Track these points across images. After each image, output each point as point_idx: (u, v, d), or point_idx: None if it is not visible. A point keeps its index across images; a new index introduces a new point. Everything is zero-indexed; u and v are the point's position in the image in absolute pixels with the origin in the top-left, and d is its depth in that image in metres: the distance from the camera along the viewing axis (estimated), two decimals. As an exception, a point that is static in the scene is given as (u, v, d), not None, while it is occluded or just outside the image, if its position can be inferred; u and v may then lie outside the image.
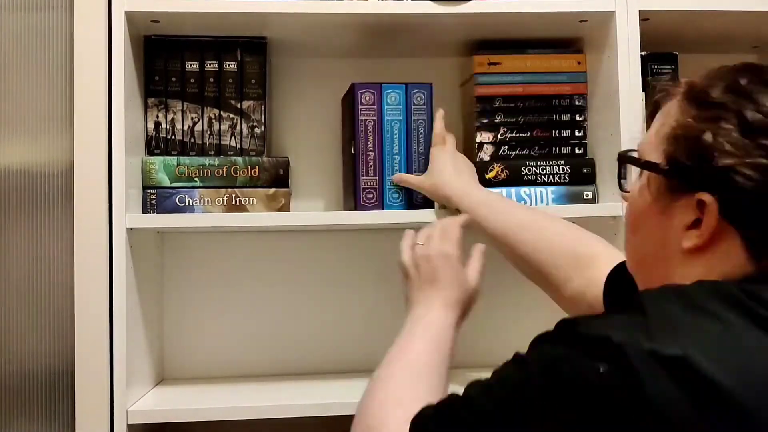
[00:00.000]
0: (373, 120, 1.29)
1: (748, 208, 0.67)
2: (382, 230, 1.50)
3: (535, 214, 1.17)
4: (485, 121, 1.36)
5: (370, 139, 1.29)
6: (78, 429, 1.16)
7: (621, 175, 0.83)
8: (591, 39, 1.38)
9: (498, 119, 1.36)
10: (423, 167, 1.29)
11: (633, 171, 0.81)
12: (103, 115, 1.19)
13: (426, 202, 1.29)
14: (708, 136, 0.68)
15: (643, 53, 1.29)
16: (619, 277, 0.97)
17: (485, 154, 1.36)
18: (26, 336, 1.21)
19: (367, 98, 1.30)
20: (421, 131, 1.31)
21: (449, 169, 1.23)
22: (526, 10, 1.27)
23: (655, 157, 0.74)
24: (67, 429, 1.19)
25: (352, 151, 1.29)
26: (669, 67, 1.32)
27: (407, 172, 1.29)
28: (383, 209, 1.29)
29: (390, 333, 1.49)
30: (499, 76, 1.37)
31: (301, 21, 1.27)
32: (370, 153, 1.29)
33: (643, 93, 1.29)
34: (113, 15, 1.20)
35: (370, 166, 1.29)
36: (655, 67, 1.32)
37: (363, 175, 1.29)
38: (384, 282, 1.50)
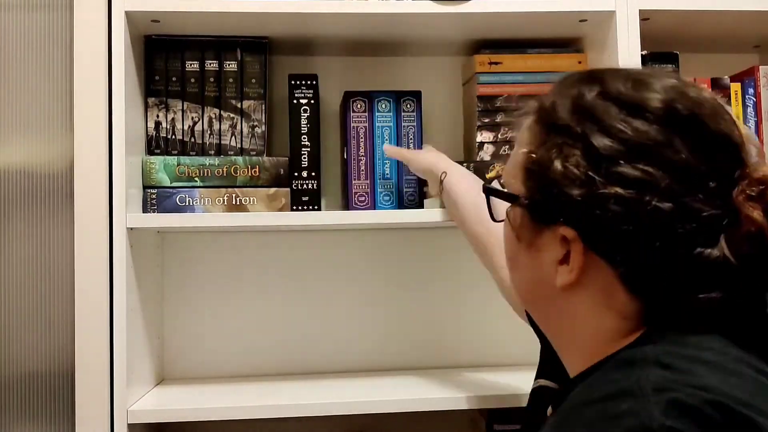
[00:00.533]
0: (365, 126, 1.32)
1: (612, 241, 0.62)
2: (382, 230, 1.50)
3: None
4: (486, 120, 1.36)
5: (362, 144, 1.31)
6: (78, 429, 1.16)
7: (489, 207, 0.77)
8: (591, 39, 1.38)
9: (499, 119, 1.36)
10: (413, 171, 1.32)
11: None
12: (103, 114, 1.19)
13: (417, 204, 1.33)
14: (557, 166, 0.64)
15: (643, 53, 1.29)
16: None
17: (486, 154, 1.36)
18: (27, 336, 1.21)
19: (359, 106, 1.32)
20: (411, 137, 1.33)
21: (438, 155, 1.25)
22: (527, 10, 1.27)
23: (516, 187, 0.70)
24: (68, 429, 1.19)
25: (344, 156, 1.30)
26: (670, 66, 1.32)
27: (398, 176, 1.33)
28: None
29: (390, 333, 1.49)
30: (500, 76, 1.37)
31: (301, 20, 1.27)
32: (362, 158, 1.31)
33: (644, 92, 1.29)
34: (113, 15, 1.20)
35: (362, 171, 1.31)
36: (656, 66, 1.32)
37: (355, 179, 1.30)
38: (385, 281, 1.50)
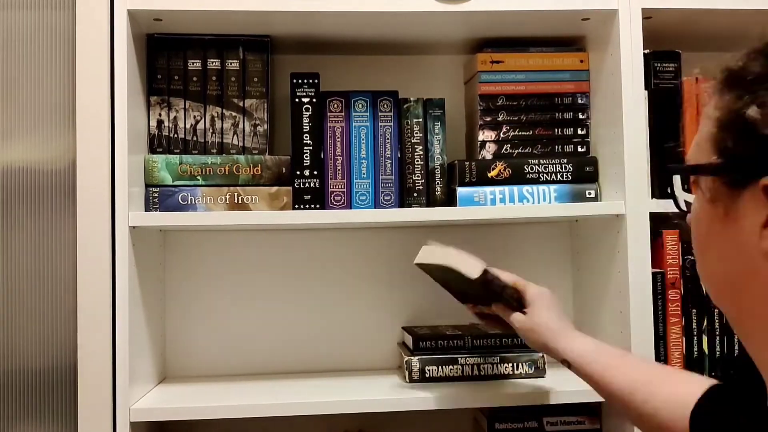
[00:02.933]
0: (341, 127, 1.32)
1: None
2: (382, 229, 1.50)
3: (643, 373, 1.02)
4: (488, 119, 1.36)
5: (338, 144, 1.32)
6: (81, 427, 1.17)
7: (674, 192, 0.72)
8: (594, 37, 1.38)
9: (501, 117, 1.36)
10: (389, 171, 1.32)
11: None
12: (105, 113, 1.19)
13: (398, 203, 1.31)
14: (753, 111, 0.60)
15: (645, 51, 1.28)
16: (708, 404, 0.87)
17: (488, 153, 1.36)
18: (30, 334, 1.21)
19: (336, 106, 1.32)
20: (388, 137, 1.33)
21: (549, 314, 1.13)
22: (529, 9, 1.26)
23: (704, 158, 0.65)
24: (70, 427, 1.20)
25: (321, 156, 1.31)
26: (672, 65, 1.32)
27: (375, 175, 1.32)
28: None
29: (391, 333, 1.50)
30: (501, 74, 1.37)
31: (303, 19, 1.27)
32: (338, 158, 1.32)
33: (646, 91, 1.29)
34: (116, 13, 1.20)
35: (338, 170, 1.31)
36: (658, 65, 1.32)
37: (331, 179, 1.31)
38: (386, 281, 1.50)
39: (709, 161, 0.64)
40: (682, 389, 0.94)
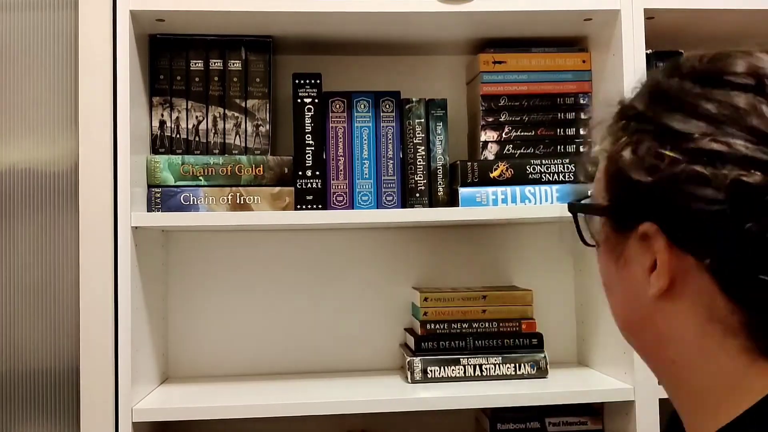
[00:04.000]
0: (344, 127, 1.32)
1: (692, 229, 0.54)
2: (384, 230, 1.50)
3: None
4: (490, 119, 1.36)
5: (341, 145, 1.32)
6: (83, 427, 1.17)
7: (578, 229, 0.68)
8: (596, 37, 1.38)
9: (503, 118, 1.36)
10: (392, 171, 1.33)
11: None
12: (108, 113, 1.19)
13: (400, 204, 1.31)
14: (626, 155, 0.57)
15: (648, 52, 1.28)
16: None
17: (490, 153, 1.36)
18: (32, 334, 1.22)
19: (338, 106, 1.32)
20: (390, 137, 1.33)
21: None
22: (531, 9, 1.26)
23: (600, 197, 0.63)
24: (73, 427, 1.20)
25: (323, 157, 1.31)
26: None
27: (377, 176, 1.32)
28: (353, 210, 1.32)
29: (393, 333, 1.50)
30: (504, 75, 1.37)
31: (306, 19, 1.27)
32: (341, 158, 1.31)
33: (649, 91, 1.29)
34: (118, 14, 1.20)
35: (341, 171, 1.32)
36: (661, 65, 1.31)
37: (333, 179, 1.31)
38: (389, 282, 1.50)
39: (599, 202, 0.62)
40: None
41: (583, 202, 0.67)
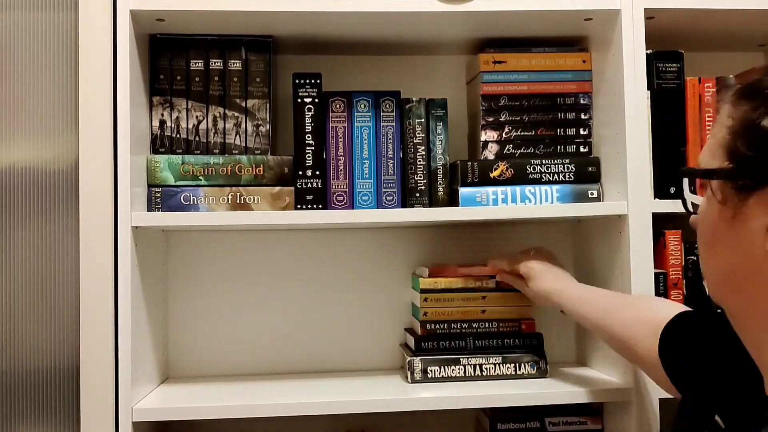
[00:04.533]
0: (344, 127, 1.32)
1: None
2: (384, 230, 1.50)
3: (615, 299, 1.19)
4: (490, 119, 1.36)
5: (341, 145, 1.31)
6: (83, 427, 1.17)
7: (683, 194, 0.77)
8: (596, 37, 1.38)
9: (503, 118, 1.36)
10: (392, 171, 1.32)
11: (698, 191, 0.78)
12: (108, 113, 1.19)
13: (400, 204, 1.32)
14: (767, 121, 0.65)
15: (648, 51, 1.28)
16: (676, 327, 0.97)
17: (490, 153, 1.36)
18: (32, 334, 1.22)
19: (338, 106, 1.32)
20: (390, 137, 1.33)
21: (549, 276, 1.29)
22: (532, 9, 1.26)
23: (717, 163, 0.71)
24: (73, 427, 1.20)
25: (323, 156, 1.31)
26: (674, 65, 1.32)
27: (377, 176, 1.32)
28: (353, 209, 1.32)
29: (393, 333, 1.50)
30: (504, 75, 1.37)
31: (306, 19, 1.27)
32: (341, 158, 1.31)
33: (649, 91, 1.29)
34: (118, 13, 1.20)
35: (341, 171, 1.31)
36: (661, 65, 1.31)
37: (333, 179, 1.31)
38: (389, 282, 1.50)
39: (721, 166, 0.69)
40: (651, 311, 1.05)
41: (698, 169, 0.74)
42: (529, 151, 1.36)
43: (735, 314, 0.73)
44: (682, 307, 1.03)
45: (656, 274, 1.27)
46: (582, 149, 1.37)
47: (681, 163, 1.30)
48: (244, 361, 1.47)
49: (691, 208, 0.76)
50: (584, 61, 1.38)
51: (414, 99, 1.34)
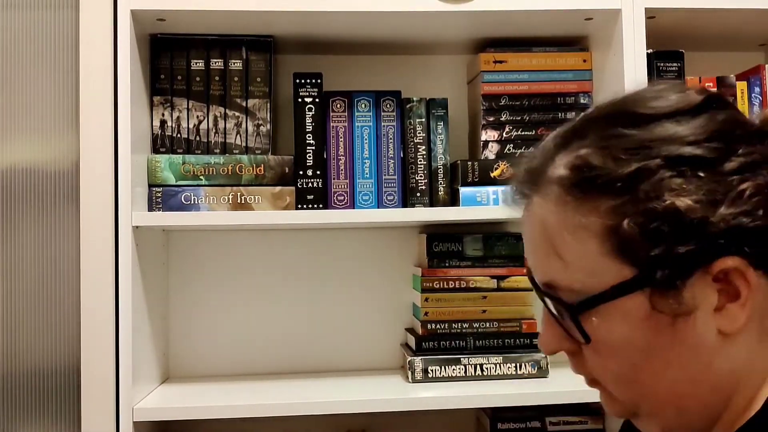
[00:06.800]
0: (344, 126, 1.32)
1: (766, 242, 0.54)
2: (385, 229, 1.50)
3: None
4: (491, 119, 1.36)
5: (341, 144, 1.31)
6: (84, 426, 1.17)
7: (581, 327, 0.58)
8: (597, 37, 1.37)
9: (504, 117, 1.36)
10: (392, 171, 1.33)
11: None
12: (109, 113, 1.19)
13: (401, 203, 1.32)
14: (681, 202, 0.54)
15: (649, 51, 1.28)
16: None
17: (490, 153, 1.36)
18: (33, 334, 1.22)
19: (338, 106, 1.32)
20: (391, 137, 1.33)
21: None
22: (532, 8, 1.26)
23: (613, 274, 0.56)
24: (74, 426, 1.20)
25: (324, 156, 1.31)
26: (675, 64, 1.32)
27: (377, 175, 1.32)
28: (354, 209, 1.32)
29: (394, 333, 1.49)
30: (504, 74, 1.37)
31: (306, 19, 1.27)
32: (341, 158, 1.31)
33: (649, 91, 1.29)
34: (119, 13, 1.20)
35: (341, 170, 1.31)
36: (661, 65, 1.31)
37: (334, 179, 1.31)
38: (389, 281, 1.50)
39: (624, 277, 0.56)
40: None
41: (589, 296, 0.57)
42: (529, 150, 1.36)
43: (682, 415, 0.60)
44: None
45: (657, 274, 1.26)
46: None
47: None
48: (244, 361, 1.47)
49: (582, 339, 0.59)
50: (585, 61, 1.38)
51: (415, 99, 1.34)
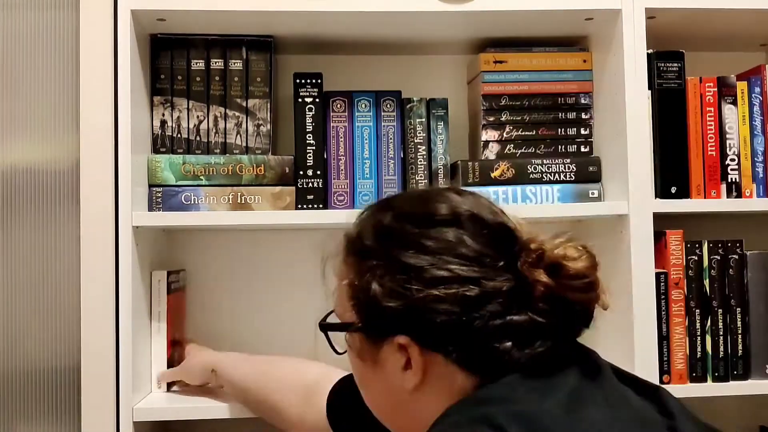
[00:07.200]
0: (344, 127, 1.32)
1: (439, 334, 0.71)
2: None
3: (265, 364, 1.20)
4: (491, 119, 1.36)
5: (341, 144, 1.31)
6: (84, 426, 1.17)
7: (330, 342, 0.84)
8: (597, 37, 1.37)
9: (504, 117, 1.36)
10: (392, 171, 1.33)
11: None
12: (109, 113, 1.19)
13: None
14: (375, 286, 0.73)
15: (649, 51, 1.28)
16: (341, 393, 1.03)
17: (491, 153, 1.36)
18: (33, 334, 1.22)
19: (339, 106, 1.32)
20: (391, 137, 1.33)
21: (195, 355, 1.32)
22: (532, 8, 1.26)
23: (348, 316, 0.78)
24: (74, 426, 1.20)
25: (324, 156, 1.31)
26: (675, 65, 1.32)
27: (377, 175, 1.33)
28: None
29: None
30: (505, 74, 1.37)
31: (307, 19, 1.27)
32: (341, 158, 1.31)
33: (650, 91, 1.29)
34: (119, 13, 1.20)
35: (341, 170, 1.31)
36: (662, 65, 1.31)
37: (334, 179, 1.31)
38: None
39: (351, 321, 0.77)
40: (295, 372, 1.14)
41: (332, 322, 0.82)
42: (529, 150, 1.36)
43: (398, 430, 0.81)
44: (330, 368, 1.10)
45: (657, 274, 1.27)
46: (583, 149, 1.37)
47: (682, 163, 1.30)
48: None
49: (341, 351, 0.82)
50: (585, 61, 1.38)
51: (415, 99, 1.34)
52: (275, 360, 1.21)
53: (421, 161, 1.33)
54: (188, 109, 1.32)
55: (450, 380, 0.72)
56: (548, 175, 1.33)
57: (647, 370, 1.23)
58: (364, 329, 0.76)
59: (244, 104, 1.32)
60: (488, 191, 1.31)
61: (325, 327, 0.83)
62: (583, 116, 1.38)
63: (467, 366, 0.72)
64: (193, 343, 1.38)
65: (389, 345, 0.74)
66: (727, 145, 1.32)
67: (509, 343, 0.70)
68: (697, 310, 1.30)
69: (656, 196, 1.28)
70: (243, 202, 1.28)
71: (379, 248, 0.75)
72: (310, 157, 1.30)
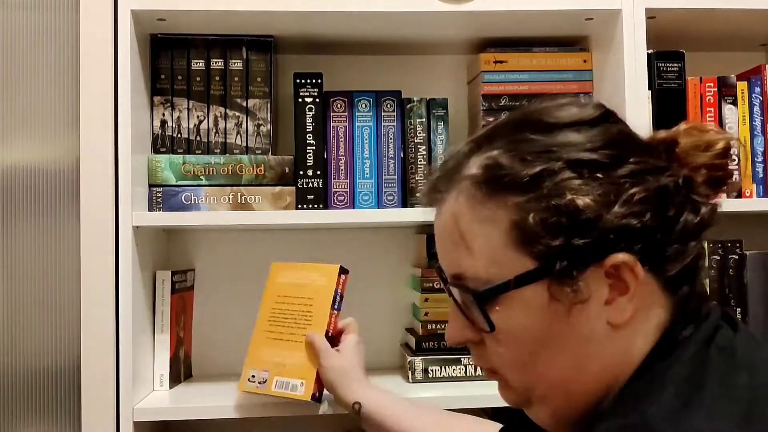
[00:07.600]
0: (344, 126, 1.32)
1: (657, 241, 0.61)
2: (384, 229, 1.50)
3: (440, 415, 1.09)
4: (491, 119, 1.36)
5: (341, 144, 1.31)
6: (84, 426, 1.17)
7: (488, 317, 0.63)
8: (597, 37, 1.37)
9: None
10: (392, 171, 1.33)
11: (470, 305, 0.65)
12: (109, 113, 1.20)
13: (401, 203, 1.34)
14: (579, 200, 0.59)
15: (649, 51, 1.28)
16: None
17: (491, 153, 1.36)
18: (33, 333, 1.22)
19: (339, 106, 1.32)
20: (391, 137, 1.33)
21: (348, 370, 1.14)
22: (533, 8, 1.26)
23: (515, 268, 0.61)
24: (74, 426, 1.20)
25: (324, 156, 1.31)
26: (676, 65, 1.32)
27: (378, 175, 1.33)
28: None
29: (394, 333, 1.49)
30: (505, 74, 1.37)
31: (307, 19, 1.27)
32: (341, 158, 1.31)
33: (650, 91, 1.29)
34: (119, 13, 1.20)
35: (341, 170, 1.31)
36: (662, 65, 1.31)
37: (335, 179, 1.31)
38: (389, 281, 1.50)
39: (526, 268, 0.61)
40: (475, 428, 1.03)
41: (494, 285, 0.62)
42: (529, 150, 1.36)
43: (567, 404, 0.65)
44: (498, 426, 0.96)
45: (657, 274, 1.26)
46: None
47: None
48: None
49: (488, 328, 0.63)
50: (585, 61, 1.38)
51: (415, 99, 1.34)
52: (449, 416, 1.08)
53: (421, 161, 1.33)
54: (188, 109, 1.32)
55: (655, 306, 0.62)
56: (548, 175, 1.33)
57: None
58: (570, 260, 0.59)
59: (244, 104, 1.33)
60: (488, 191, 1.30)
61: (491, 292, 0.62)
62: (583, 116, 1.38)
63: (672, 285, 0.62)
64: (353, 333, 1.20)
65: (594, 274, 0.60)
66: (727, 145, 1.32)
67: (694, 243, 0.63)
68: (697, 310, 1.30)
69: (656, 196, 1.28)
70: (243, 202, 1.28)
71: (547, 166, 0.61)
72: (310, 157, 1.30)
